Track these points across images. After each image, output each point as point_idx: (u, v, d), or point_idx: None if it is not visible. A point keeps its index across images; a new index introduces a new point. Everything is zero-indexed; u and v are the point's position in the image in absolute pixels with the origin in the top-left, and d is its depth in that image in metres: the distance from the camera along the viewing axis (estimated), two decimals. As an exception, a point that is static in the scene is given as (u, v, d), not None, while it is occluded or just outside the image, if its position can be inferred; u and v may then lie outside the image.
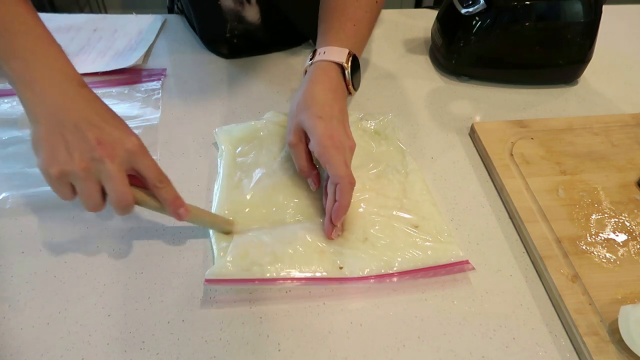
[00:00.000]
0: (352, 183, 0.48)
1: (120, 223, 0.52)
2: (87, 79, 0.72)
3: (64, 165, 0.41)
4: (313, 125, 0.50)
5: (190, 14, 0.81)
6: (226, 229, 0.50)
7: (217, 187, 0.55)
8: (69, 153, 0.41)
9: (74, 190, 0.43)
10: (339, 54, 0.56)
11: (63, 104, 0.42)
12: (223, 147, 0.59)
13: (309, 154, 0.52)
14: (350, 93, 0.59)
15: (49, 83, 0.42)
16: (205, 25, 0.78)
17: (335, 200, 0.48)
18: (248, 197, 0.53)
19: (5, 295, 0.46)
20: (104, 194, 0.43)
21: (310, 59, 0.58)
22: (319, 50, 0.57)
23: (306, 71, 0.58)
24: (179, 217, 0.46)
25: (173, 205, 0.45)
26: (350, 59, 0.56)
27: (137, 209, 0.47)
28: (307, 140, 0.51)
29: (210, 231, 0.50)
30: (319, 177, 0.54)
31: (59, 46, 0.45)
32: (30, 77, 0.42)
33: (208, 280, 0.45)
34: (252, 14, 0.73)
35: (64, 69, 0.44)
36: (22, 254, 0.49)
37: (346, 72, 0.56)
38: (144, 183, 0.45)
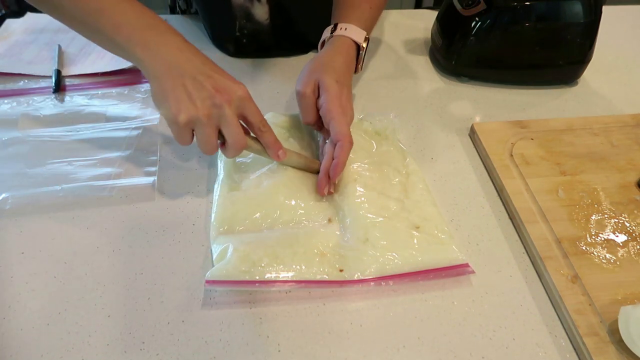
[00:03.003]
0: (351, 142, 0.53)
1: (120, 224, 0.53)
2: (87, 80, 0.74)
3: (191, 112, 0.45)
4: (329, 85, 0.55)
5: (200, 10, 0.81)
6: (314, 169, 0.56)
7: (217, 188, 0.55)
8: (192, 101, 0.45)
9: (193, 136, 0.48)
10: (359, 34, 0.61)
11: (178, 59, 0.47)
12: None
13: (316, 107, 0.56)
14: (356, 71, 0.64)
15: (162, 42, 0.47)
16: (214, 22, 0.78)
17: (333, 159, 0.53)
18: (248, 197, 0.53)
19: (5, 296, 0.46)
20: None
21: (332, 32, 0.62)
22: (340, 26, 0.62)
23: (324, 41, 0.63)
24: (278, 158, 0.52)
25: (274, 147, 0.52)
26: (367, 41, 0.62)
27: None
28: (316, 96, 0.56)
29: (210, 231, 0.50)
30: (322, 124, 0.57)
31: (151, 10, 0.49)
32: (143, 39, 0.47)
33: (209, 282, 0.45)
34: (261, 12, 0.73)
35: (167, 28, 0.48)
36: (22, 255, 0.49)
37: (361, 52, 0.62)
38: (250, 127, 0.51)
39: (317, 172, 0.55)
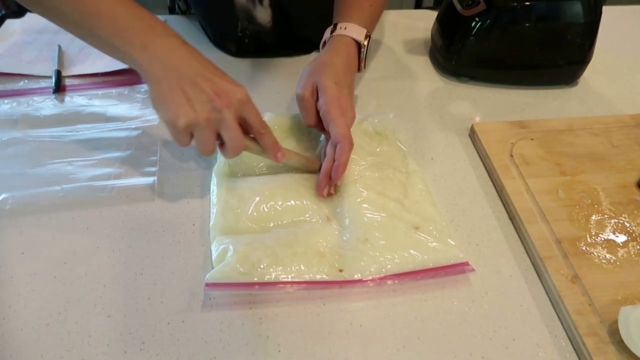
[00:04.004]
0: (352, 144, 0.53)
1: (120, 224, 0.53)
2: (87, 80, 0.74)
3: (190, 116, 0.45)
4: (327, 87, 0.54)
5: (200, 11, 0.81)
6: (313, 169, 0.57)
7: (214, 189, 0.55)
8: (192, 106, 0.45)
9: (191, 138, 0.47)
10: (359, 32, 0.61)
11: (177, 62, 0.46)
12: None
13: (316, 110, 0.56)
14: (359, 70, 0.63)
15: (160, 44, 0.46)
16: (216, 23, 0.78)
17: (334, 160, 0.53)
18: (246, 198, 0.53)
19: (5, 296, 0.46)
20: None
21: (332, 32, 0.62)
22: (340, 25, 0.61)
23: (325, 42, 0.63)
24: (278, 160, 0.52)
25: (273, 149, 0.51)
26: (368, 39, 0.61)
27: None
28: (316, 98, 0.56)
29: (211, 233, 0.50)
30: (323, 129, 0.57)
31: (149, 12, 0.48)
32: (141, 41, 0.45)
33: (208, 285, 0.45)
34: (263, 15, 0.73)
35: (166, 30, 0.47)
36: (22, 255, 0.49)
37: (362, 50, 0.61)
38: (249, 129, 0.50)
39: (317, 172, 0.55)
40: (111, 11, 0.46)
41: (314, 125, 0.57)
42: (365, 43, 0.61)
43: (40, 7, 0.48)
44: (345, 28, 0.61)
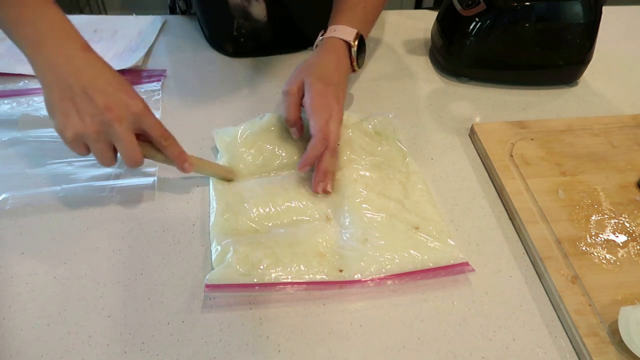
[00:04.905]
0: (325, 139, 0.53)
1: (120, 224, 0.53)
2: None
3: (78, 128, 0.44)
4: (313, 83, 0.55)
5: (197, 11, 0.81)
6: (228, 178, 0.56)
7: (214, 188, 0.55)
8: (81, 117, 0.44)
9: (88, 148, 0.46)
10: (348, 33, 0.61)
11: (70, 69, 0.44)
12: (221, 148, 0.59)
13: (300, 106, 0.57)
14: (354, 70, 0.64)
15: (56, 49, 0.44)
16: (212, 22, 0.78)
17: (323, 157, 0.53)
18: (246, 198, 0.53)
19: (5, 296, 0.46)
20: (115, 150, 0.47)
21: (322, 35, 0.63)
22: (330, 28, 0.63)
23: (316, 45, 0.64)
24: (185, 171, 0.51)
25: (179, 160, 0.50)
26: (358, 38, 0.62)
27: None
28: (301, 95, 0.56)
29: (211, 233, 0.50)
30: (302, 128, 0.58)
31: (62, 12, 0.46)
32: (37, 42, 0.44)
33: (208, 286, 0.45)
34: (258, 10, 0.73)
35: (69, 34, 0.45)
36: (22, 255, 0.49)
37: (352, 50, 0.61)
38: (152, 142, 0.49)
39: (229, 180, 0.56)
40: (19, 1, 0.44)
41: (294, 121, 0.57)
42: (355, 43, 0.61)
43: None
44: (335, 30, 0.62)
